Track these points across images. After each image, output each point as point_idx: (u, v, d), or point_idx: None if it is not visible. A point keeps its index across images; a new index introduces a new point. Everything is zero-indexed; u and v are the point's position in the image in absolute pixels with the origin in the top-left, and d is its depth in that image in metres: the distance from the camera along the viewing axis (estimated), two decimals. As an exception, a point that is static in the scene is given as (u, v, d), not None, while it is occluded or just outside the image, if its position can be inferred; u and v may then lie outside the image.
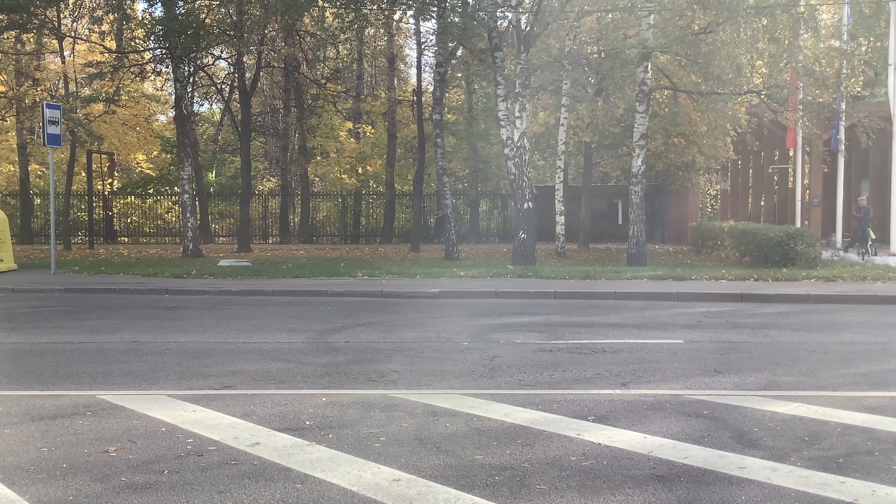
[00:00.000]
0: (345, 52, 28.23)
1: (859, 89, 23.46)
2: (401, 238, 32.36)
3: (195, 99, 33.63)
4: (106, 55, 25.31)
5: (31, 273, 16.94)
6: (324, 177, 38.41)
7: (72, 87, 28.95)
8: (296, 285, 14.36)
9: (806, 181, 28.75)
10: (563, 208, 22.62)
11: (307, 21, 25.52)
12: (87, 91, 26.76)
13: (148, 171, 37.97)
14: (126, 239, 33.29)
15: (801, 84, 19.52)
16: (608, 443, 4.81)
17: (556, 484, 4.12)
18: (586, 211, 25.45)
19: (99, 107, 26.18)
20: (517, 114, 17.66)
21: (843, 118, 20.78)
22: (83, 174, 29.96)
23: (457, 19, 18.72)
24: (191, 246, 21.40)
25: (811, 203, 26.73)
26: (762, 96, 19.99)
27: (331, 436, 4.98)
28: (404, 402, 5.83)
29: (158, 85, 35.76)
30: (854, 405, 5.74)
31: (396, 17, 28.12)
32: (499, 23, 19.77)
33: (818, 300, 12.45)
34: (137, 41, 23.08)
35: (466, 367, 7.26)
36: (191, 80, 24.97)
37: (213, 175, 39.36)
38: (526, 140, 17.90)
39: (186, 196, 21.94)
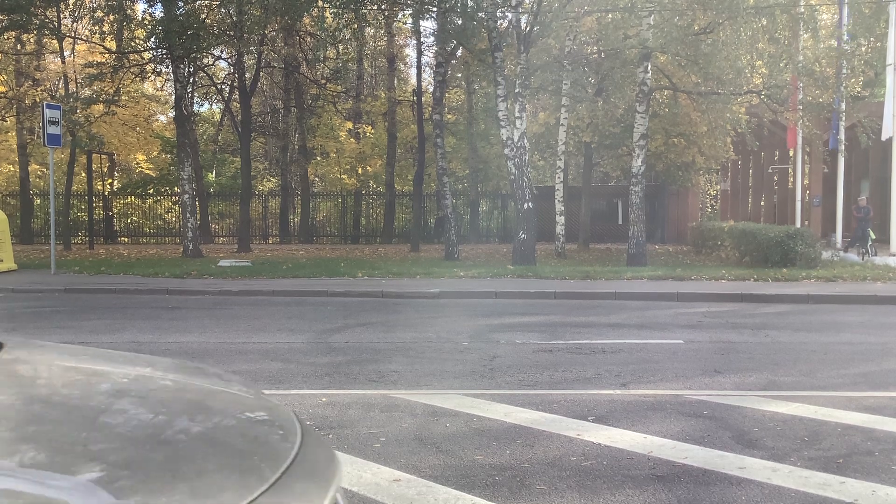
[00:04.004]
0: (344, 51, 28.20)
1: (859, 89, 23.44)
2: (401, 238, 32.35)
3: (195, 99, 33.66)
4: (106, 55, 25.31)
5: (32, 273, 16.93)
6: (324, 177, 38.42)
7: (72, 87, 28.94)
8: (296, 285, 14.36)
9: (806, 181, 28.74)
10: (563, 208, 22.63)
11: (307, 21, 25.53)
12: (87, 91, 26.75)
13: (148, 172, 37.97)
14: (126, 239, 33.28)
15: (801, 84, 19.51)
16: (608, 443, 4.80)
17: (556, 484, 4.11)
18: (586, 211, 25.47)
19: (99, 107, 26.18)
20: (517, 114, 17.66)
21: (843, 118, 20.76)
22: (83, 174, 29.99)
23: (457, 20, 18.71)
24: (191, 246, 21.41)
25: (811, 203, 26.73)
26: (762, 96, 19.98)
27: (331, 436, 4.97)
28: (404, 402, 5.82)
29: (158, 85, 35.77)
30: (854, 405, 5.73)
31: (397, 17, 28.07)
32: (499, 23, 19.78)
33: (818, 300, 12.45)
34: (137, 42, 23.07)
35: (466, 367, 7.26)
36: (191, 80, 25.00)
37: (213, 175, 39.35)
38: (526, 140, 17.91)
39: (186, 196, 21.94)
